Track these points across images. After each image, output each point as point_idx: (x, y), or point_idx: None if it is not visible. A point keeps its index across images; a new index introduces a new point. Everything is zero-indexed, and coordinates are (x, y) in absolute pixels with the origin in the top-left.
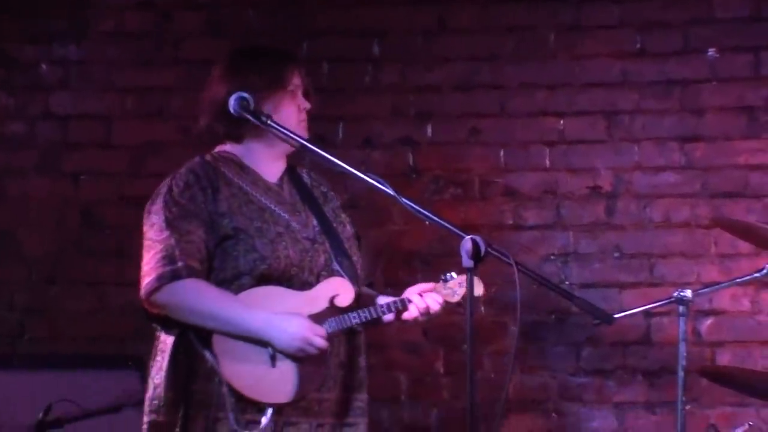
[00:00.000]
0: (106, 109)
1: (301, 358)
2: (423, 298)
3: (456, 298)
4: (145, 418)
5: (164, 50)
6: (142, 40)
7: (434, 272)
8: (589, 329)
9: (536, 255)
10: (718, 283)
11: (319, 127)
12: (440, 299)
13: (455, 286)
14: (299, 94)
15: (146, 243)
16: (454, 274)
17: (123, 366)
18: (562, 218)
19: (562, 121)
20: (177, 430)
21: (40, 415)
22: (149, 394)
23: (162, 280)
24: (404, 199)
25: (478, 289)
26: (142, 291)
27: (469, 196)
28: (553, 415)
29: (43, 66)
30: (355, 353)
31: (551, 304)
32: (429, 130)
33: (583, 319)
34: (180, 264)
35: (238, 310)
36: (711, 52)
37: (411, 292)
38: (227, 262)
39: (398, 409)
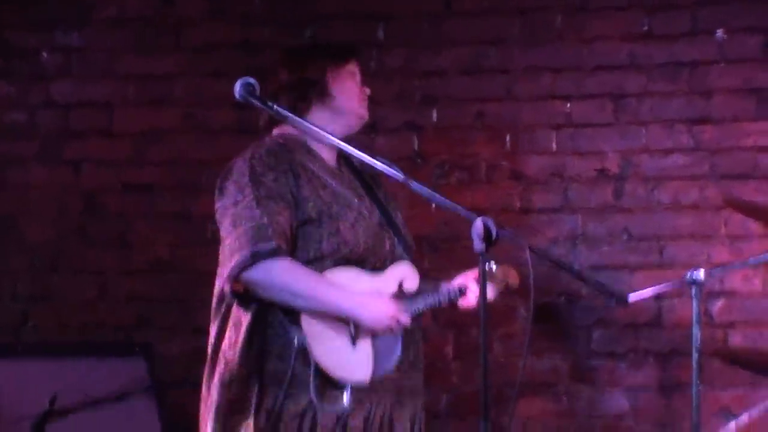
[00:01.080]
0: (107, 97)
1: (377, 339)
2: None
3: (498, 288)
4: (215, 392)
5: (166, 36)
6: (143, 26)
7: (441, 256)
8: (599, 311)
9: (544, 238)
10: (729, 264)
11: None
12: (493, 288)
13: (497, 276)
14: (358, 80)
15: (230, 219)
16: (493, 264)
17: (129, 353)
18: (569, 201)
19: (569, 104)
20: (249, 405)
21: (47, 404)
22: (220, 368)
23: (257, 257)
24: (414, 184)
25: (516, 280)
26: (233, 266)
27: (476, 180)
28: (564, 398)
29: (44, 54)
30: (415, 332)
31: (561, 287)
32: (434, 115)
33: (594, 301)
34: (273, 243)
35: (330, 289)
36: (719, 33)
37: (465, 280)
38: (310, 244)
39: None
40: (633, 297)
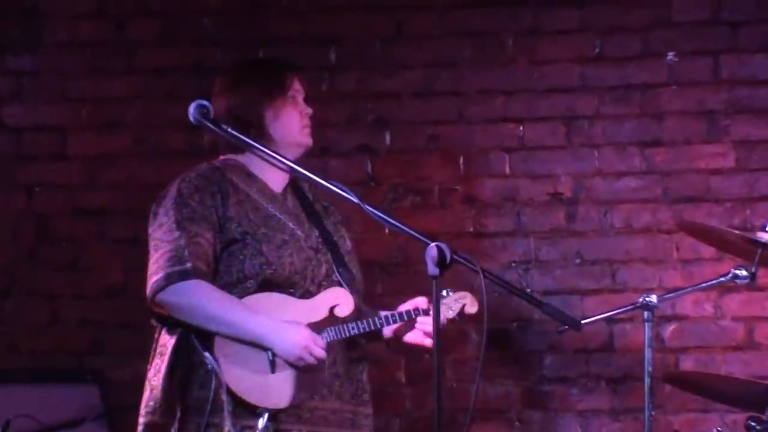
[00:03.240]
0: (60, 120)
1: (300, 366)
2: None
3: (450, 315)
4: (141, 420)
5: (118, 60)
6: (95, 49)
7: (394, 281)
8: (551, 337)
9: (497, 262)
10: (681, 289)
11: None
12: (447, 314)
13: (451, 302)
14: (300, 99)
15: (153, 243)
16: (449, 291)
17: (81, 380)
18: (522, 225)
19: (521, 127)
20: None
21: None
22: (146, 395)
23: (170, 280)
24: (369, 207)
25: (474, 307)
26: (149, 290)
27: (429, 204)
28: (517, 423)
29: None
30: (353, 365)
31: (513, 312)
32: (387, 138)
33: (545, 326)
34: (188, 265)
35: (243, 313)
36: (670, 56)
37: (405, 307)
38: (233, 266)
39: None
40: (586, 322)
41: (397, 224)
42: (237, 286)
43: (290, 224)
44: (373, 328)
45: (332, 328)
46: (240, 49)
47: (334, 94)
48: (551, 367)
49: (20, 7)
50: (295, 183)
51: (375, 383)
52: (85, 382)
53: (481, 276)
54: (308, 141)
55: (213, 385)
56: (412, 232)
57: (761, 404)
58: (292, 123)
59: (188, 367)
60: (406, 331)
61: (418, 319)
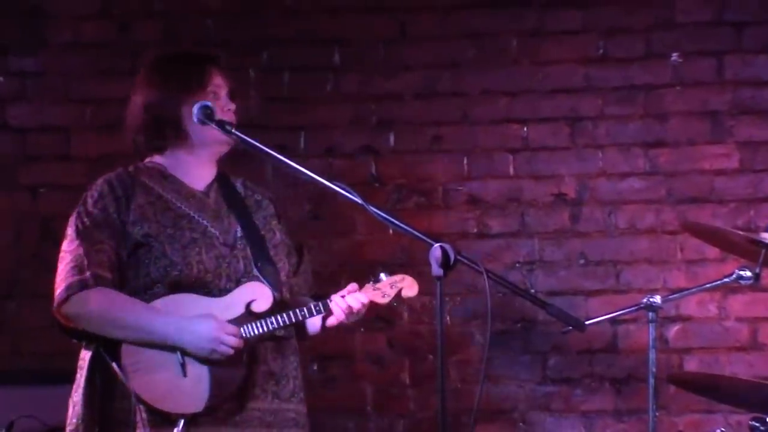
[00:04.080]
0: (64, 121)
1: (214, 362)
2: (344, 299)
3: (385, 300)
4: None
5: (122, 60)
6: (100, 50)
7: None
8: (555, 337)
9: (501, 263)
10: (685, 289)
11: (280, 136)
12: (364, 299)
13: (386, 287)
14: (223, 94)
15: (60, 255)
16: (384, 276)
17: None
18: (526, 226)
19: (525, 128)
20: None
21: (3, 431)
22: (69, 413)
23: (70, 290)
24: (372, 208)
25: (412, 290)
26: (54, 304)
27: (433, 205)
28: (521, 424)
29: (0, 78)
30: (285, 362)
31: (517, 313)
32: (391, 139)
33: (549, 327)
34: (88, 274)
35: (147, 315)
36: (674, 57)
37: (335, 295)
38: (140, 270)
39: (364, 421)
40: (590, 323)
41: (401, 225)
42: (146, 291)
43: (204, 222)
44: (293, 320)
45: (250, 324)
46: (242, 50)
47: (337, 95)
48: (555, 368)
49: (24, 8)
50: (224, 179)
51: (378, 384)
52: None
53: (485, 277)
54: (229, 139)
55: (133, 395)
56: (416, 232)
57: (765, 405)
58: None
59: (106, 380)
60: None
61: (335, 300)
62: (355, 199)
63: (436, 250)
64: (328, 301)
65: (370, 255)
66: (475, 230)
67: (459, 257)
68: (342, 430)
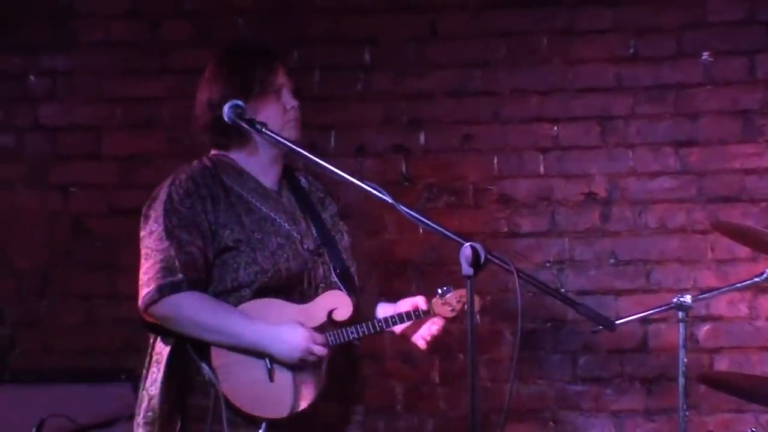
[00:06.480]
0: (95, 120)
1: (298, 371)
2: (429, 328)
3: (452, 314)
4: (140, 430)
5: (152, 60)
6: (130, 49)
7: (428, 281)
8: (585, 337)
9: (531, 262)
10: (715, 289)
11: (311, 135)
12: (441, 323)
13: (452, 302)
14: (284, 92)
15: (144, 251)
16: (450, 288)
17: (116, 379)
18: (557, 225)
19: (555, 127)
20: None
21: (34, 430)
22: (143, 405)
23: (162, 293)
24: (403, 207)
25: (477, 304)
26: (141, 302)
27: (463, 204)
28: (551, 423)
29: (31, 77)
30: (353, 365)
31: (547, 312)
32: (422, 138)
33: (579, 326)
34: (180, 276)
35: (239, 322)
36: (705, 56)
37: (404, 305)
38: (227, 274)
39: (394, 420)
40: (620, 322)
41: (432, 224)
42: (232, 294)
43: (286, 225)
44: (372, 332)
45: (331, 332)
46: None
47: (369, 94)
48: (585, 367)
49: (54, 8)
50: (290, 175)
51: (409, 382)
52: (119, 380)
53: (516, 276)
54: (293, 137)
55: (212, 393)
56: (446, 232)
57: None
58: (274, 119)
59: (186, 376)
60: (412, 331)
61: (419, 323)
62: (386, 198)
63: (466, 249)
64: (405, 315)
65: (400, 254)
66: (506, 229)
67: (489, 256)
68: (372, 429)
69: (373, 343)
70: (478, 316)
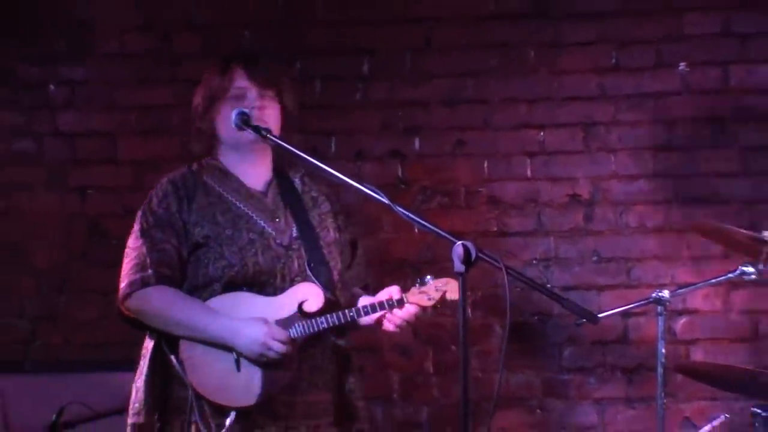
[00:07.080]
0: (110, 127)
1: (265, 362)
2: (399, 316)
3: (430, 303)
4: (129, 420)
5: (164, 70)
6: (143, 60)
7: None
8: (570, 329)
9: (519, 260)
10: (692, 284)
11: (313, 140)
12: (413, 309)
13: (431, 290)
14: (250, 95)
15: (125, 251)
16: (430, 279)
17: (131, 368)
18: (543, 225)
19: (542, 133)
20: None
21: (54, 416)
22: (132, 397)
23: (132, 287)
24: (399, 208)
25: (456, 293)
26: (118, 297)
27: (456, 205)
28: (538, 411)
29: (51, 86)
30: (324, 353)
31: (534, 307)
32: (417, 143)
33: (564, 320)
34: (150, 271)
35: (202, 316)
36: (682, 66)
37: (384, 295)
38: (199, 269)
39: (391, 407)
40: (603, 316)
41: (426, 224)
42: (205, 289)
43: (261, 222)
44: (342, 321)
45: (300, 323)
46: (277, 60)
47: (367, 103)
48: (570, 358)
49: (72, 21)
50: (282, 177)
51: (404, 373)
52: (134, 370)
53: (504, 272)
54: (263, 141)
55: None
56: (439, 231)
57: (766, 392)
58: (225, 122)
59: (166, 369)
60: (384, 320)
61: (391, 311)
62: (383, 199)
63: (458, 247)
64: (378, 304)
65: (396, 252)
66: (495, 229)
67: (480, 254)
68: (370, 416)
69: (371, 336)
70: (469, 310)
